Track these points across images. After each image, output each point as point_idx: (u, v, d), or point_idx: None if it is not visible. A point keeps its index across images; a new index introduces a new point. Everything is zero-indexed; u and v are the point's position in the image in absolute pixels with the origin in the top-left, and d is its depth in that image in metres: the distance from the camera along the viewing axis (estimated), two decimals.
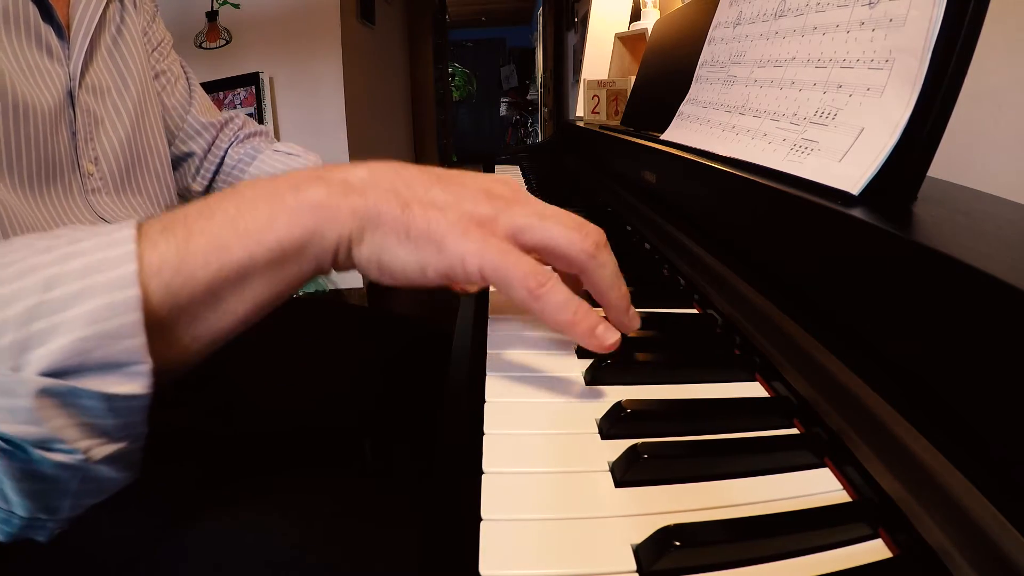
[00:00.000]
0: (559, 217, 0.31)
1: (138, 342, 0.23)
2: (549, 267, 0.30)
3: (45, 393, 0.22)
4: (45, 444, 0.22)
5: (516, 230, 0.30)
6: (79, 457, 0.23)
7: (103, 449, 0.24)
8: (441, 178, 0.30)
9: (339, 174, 0.28)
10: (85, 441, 0.23)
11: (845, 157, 0.34)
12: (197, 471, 0.42)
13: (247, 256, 0.25)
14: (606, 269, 0.31)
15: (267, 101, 2.27)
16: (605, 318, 0.32)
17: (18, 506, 0.24)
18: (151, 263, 0.24)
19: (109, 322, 0.22)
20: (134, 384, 0.23)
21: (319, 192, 0.27)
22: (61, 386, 0.22)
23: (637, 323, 0.33)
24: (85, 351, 0.22)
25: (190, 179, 0.71)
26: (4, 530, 0.25)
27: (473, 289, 0.42)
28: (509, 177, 0.33)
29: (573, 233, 0.30)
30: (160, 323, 0.24)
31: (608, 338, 0.29)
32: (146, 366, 0.23)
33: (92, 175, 0.51)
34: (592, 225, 0.32)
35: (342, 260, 0.28)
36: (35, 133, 0.44)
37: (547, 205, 0.32)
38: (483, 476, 0.25)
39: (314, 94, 2.31)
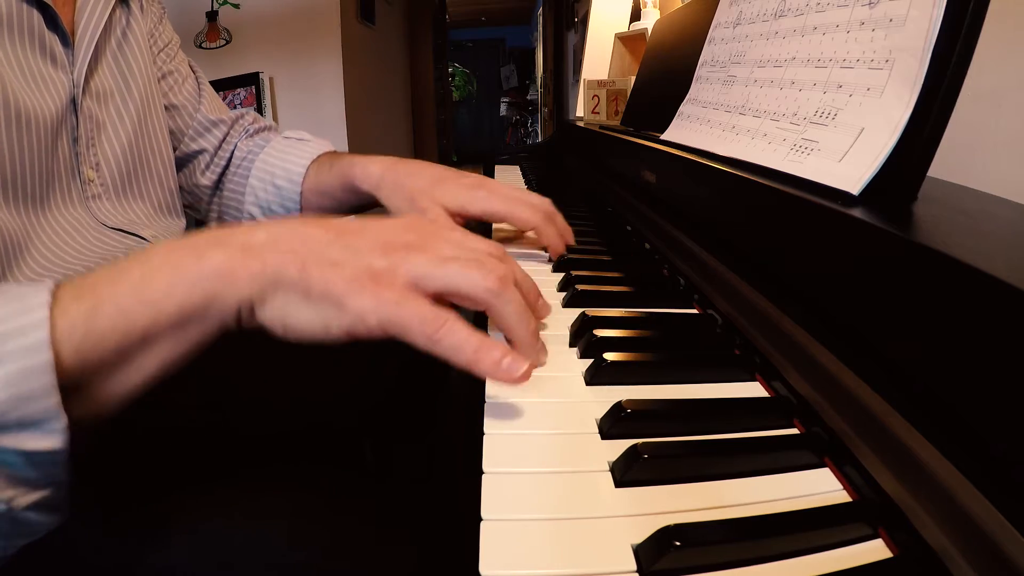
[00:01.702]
0: (460, 258, 0.31)
1: (52, 402, 0.24)
2: (449, 309, 0.30)
3: None
4: None
5: (415, 279, 0.30)
6: (2, 507, 0.25)
7: (27, 498, 0.26)
8: (342, 233, 0.31)
9: (240, 237, 0.29)
10: (9, 491, 0.25)
11: (845, 157, 0.34)
12: (196, 471, 0.42)
13: (150, 322, 0.27)
14: (510, 306, 0.31)
15: (267, 101, 2.27)
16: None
17: None
18: (62, 329, 0.25)
19: (24, 385, 0.24)
20: (51, 440, 0.25)
21: (218, 258, 0.28)
22: None
23: (545, 358, 0.34)
24: (2, 412, 0.23)
25: (199, 174, 0.69)
26: None
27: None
28: (418, 219, 0.33)
29: (474, 273, 0.31)
30: (74, 382, 0.25)
31: (515, 370, 0.28)
32: (61, 423, 0.25)
33: (92, 181, 0.51)
34: (497, 261, 0.32)
35: (246, 320, 0.29)
36: (36, 142, 0.44)
37: (455, 240, 0.32)
38: (483, 476, 0.25)
39: (314, 94, 2.31)
